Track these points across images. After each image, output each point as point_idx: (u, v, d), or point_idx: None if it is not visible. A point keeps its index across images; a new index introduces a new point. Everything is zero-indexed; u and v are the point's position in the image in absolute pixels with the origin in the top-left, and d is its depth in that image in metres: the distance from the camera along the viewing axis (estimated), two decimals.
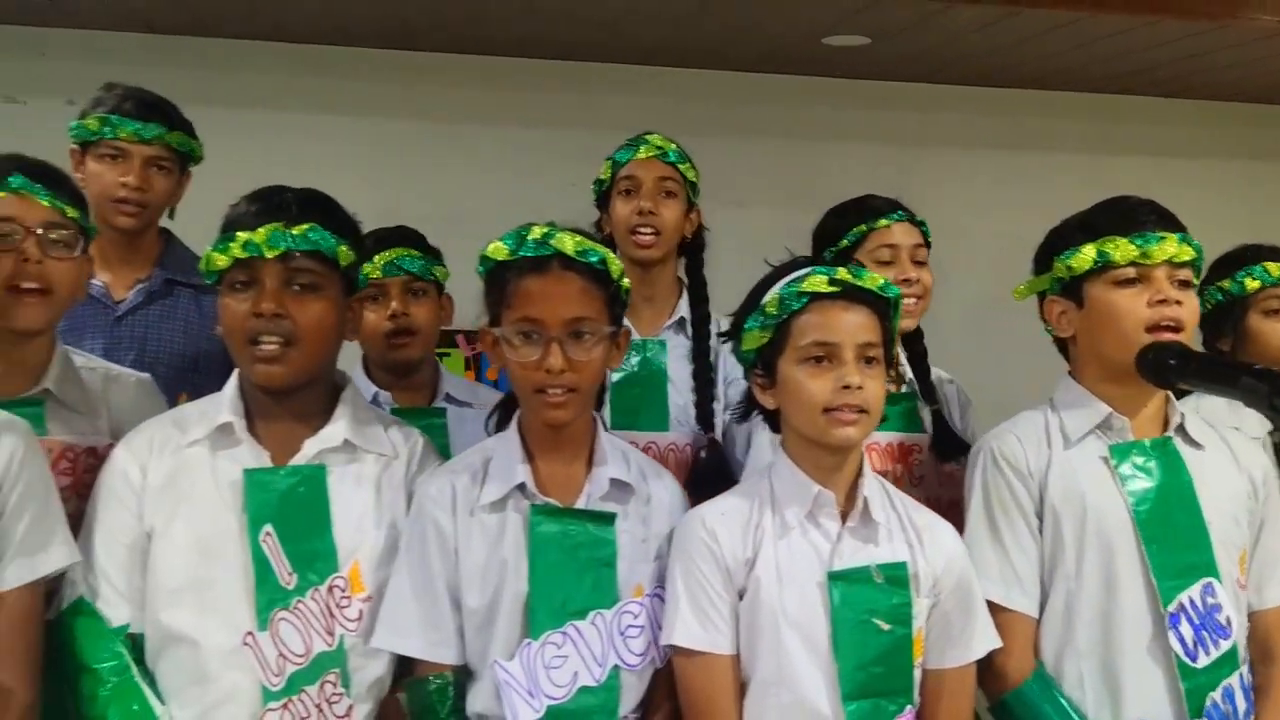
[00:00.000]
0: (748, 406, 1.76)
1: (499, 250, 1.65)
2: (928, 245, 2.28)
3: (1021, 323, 2.17)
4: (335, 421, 1.70)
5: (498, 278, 1.66)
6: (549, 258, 1.62)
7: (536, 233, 1.64)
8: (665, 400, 2.32)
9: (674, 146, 2.39)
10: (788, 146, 5.19)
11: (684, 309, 2.40)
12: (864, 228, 2.22)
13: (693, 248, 2.45)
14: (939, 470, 2.16)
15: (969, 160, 5.00)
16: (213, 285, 1.67)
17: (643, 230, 2.32)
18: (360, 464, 1.71)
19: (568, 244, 1.62)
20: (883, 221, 2.21)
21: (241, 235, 1.61)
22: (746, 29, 4.51)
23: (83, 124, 2.27)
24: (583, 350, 1.62)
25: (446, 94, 4.92)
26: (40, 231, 1.73)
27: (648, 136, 2.39)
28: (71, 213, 1.78)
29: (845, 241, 2.24)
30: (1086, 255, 1.76)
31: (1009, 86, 5.02)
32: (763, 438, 2.16)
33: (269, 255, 1.60)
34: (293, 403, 1.69)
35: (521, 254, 1.63)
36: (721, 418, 2.39)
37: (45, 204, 1.74)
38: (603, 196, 2.42)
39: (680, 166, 2.38)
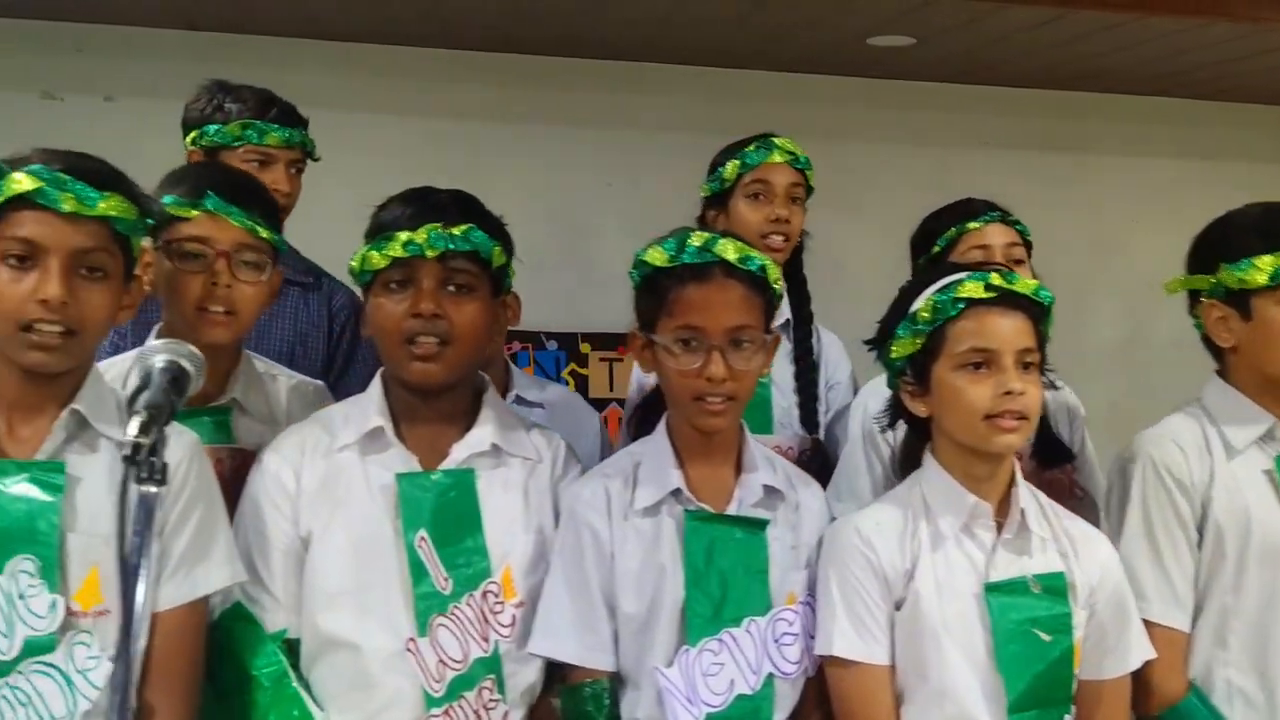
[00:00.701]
0: (894, 413, 1.75)
1: (658, 256, 1.64)
2: (1027, 245, 2.28)
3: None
4: (481, 425, 1.70)
5: (655, 284, 1.65)
6: (711, 265, 1.62)
7: (697, 239, 1.64)
8: (769, 403, 2.32)
9: (802, 152, 2.39)
10: (827, 148, 5.20)
11: (786, 311, 2.40)
12: (955, 230, 2.22)
13: (795, 251, 2.45)
14: (1040, 477, 2.15)
15: (1008, 161, 5.00)
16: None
17: (775, 235, 2.33)
18: (507, 468, 1.70)
19: (730, 251, 1.62)
20: (973, 224, 2.22)
21: (401, 235, 1.60)
22: (791, 30, 4.52)
23: (223, 129, 2.24)
24: (743, 359, 1.61)
25: (488, 93, 4.92)
26: (232, 253, 1.74)
27: (775, 140, 2.38)
28: (264, 232, 1.78)
29: (938, 246, 2.24)
30: (1263, 269, 1.72)
31: (1051, 88, 5.03)
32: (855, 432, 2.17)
33: (430, 255, 1.59)
34: (440, 404, 1.68)
35: (683, 260, 1.62)
36: (824, 419, 2.39)
37: (237, 225, 1.74)
38: (719, 196, 2.41)
39: (807, 173, 2.40)
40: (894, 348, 1.69)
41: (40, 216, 1.40)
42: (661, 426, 1.72)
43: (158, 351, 1.30)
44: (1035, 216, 2.38)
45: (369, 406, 1.69)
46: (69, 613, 1.41)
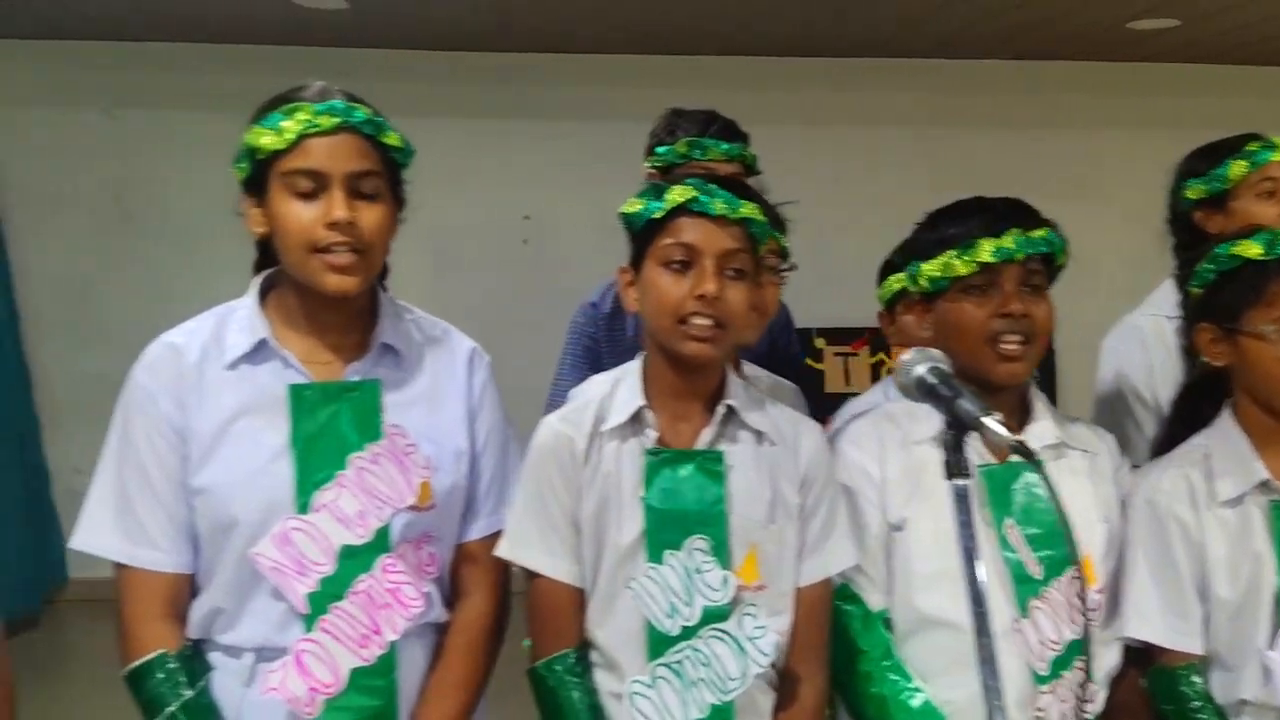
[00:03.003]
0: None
1: (1253, 249, 1.69)
2: None
3: None
4: (1041, 419, 1.76)
5: (1245, 275, 1.70)
6: None
7: None
8: None
9: None
10: (1079, 134, 5.19)
11: None
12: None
13: None
14: None
15: None
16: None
17: None
18: (1069, 459, 1.77)
19: None
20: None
21: (987, 243, 1.67)
22: (1051, 16, 4.52)
23: (672, 149, 2.35)
24: None
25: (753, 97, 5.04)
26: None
27: (1275, 138, 2.37)
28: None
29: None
30: None
31: None
32: None
33: (1019, 259, 1.67)
34: (1009, 398, 1.75)
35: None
36: None
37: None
38: (1216, 197, 2.39)
39: None
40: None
41: (696, 222, 1.56)
42: (1228, 418, 1.77)
43: (917, 363, 1.40)
44: None
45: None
46: (737, 587, 1.56)
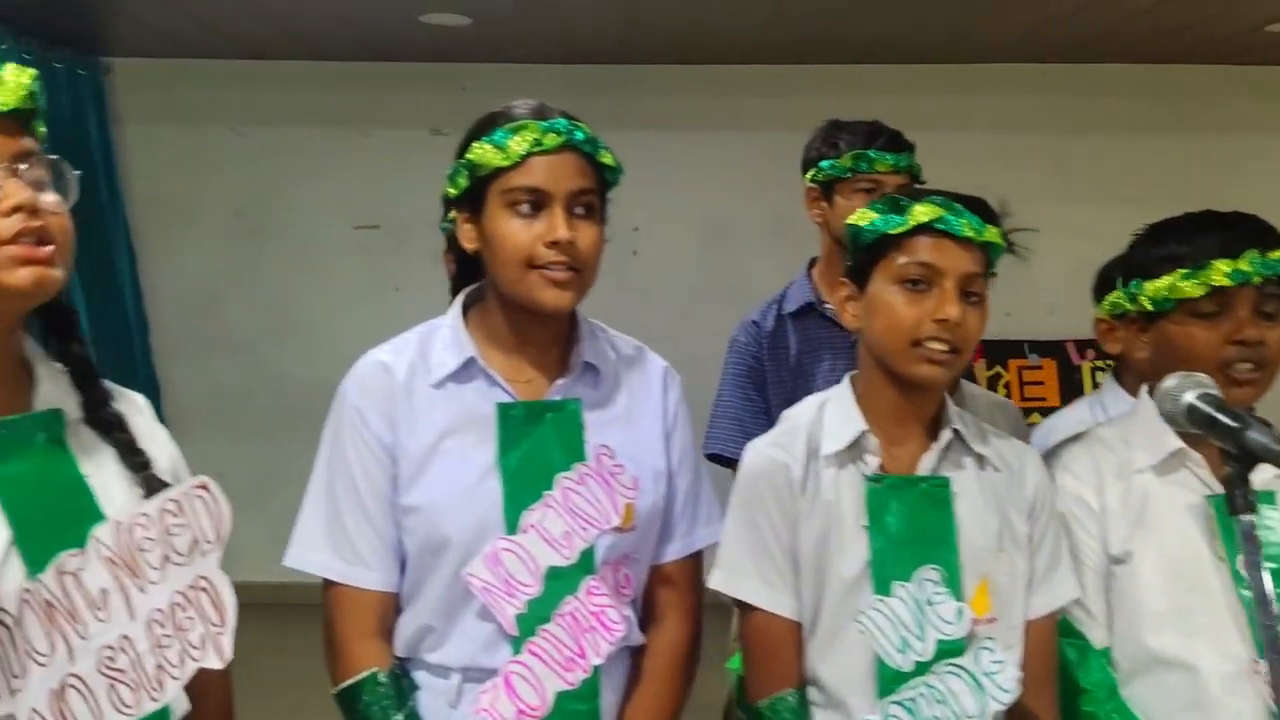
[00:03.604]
0: None
1: None
2: None
3: None
4: None
5: None
6: None
7: None
8: None
9: None
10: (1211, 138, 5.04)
11: None
12: None
13: None
14: None
15: None
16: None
17: None
18: None
19: None
20: None
21: (1221, 264, 1.60)
22: (1189, 21, 4.39)
23: (835, 163, 2.31)
24: None
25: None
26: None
27: None
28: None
29: None
30: None
31: None
32: None
33: (1256, 282, 1.59)
34: None
35: None
36: None
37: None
38: None
39: None
40: None
41: (939, 242, 1.50)
42: None
43: (1185, 390, 1.34)
44: None
45: (1157, 433, 1.65)
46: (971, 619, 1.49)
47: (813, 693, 1.55)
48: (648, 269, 5.13)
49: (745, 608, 1.56)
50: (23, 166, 1.16)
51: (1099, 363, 4.87)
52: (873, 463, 1.54)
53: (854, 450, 1.55)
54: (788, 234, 5.51)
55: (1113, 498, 1.66)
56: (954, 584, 1.49)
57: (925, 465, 1.54)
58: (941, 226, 1.50)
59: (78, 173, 1.22)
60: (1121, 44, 4.72)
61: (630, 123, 5.23)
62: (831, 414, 1.58)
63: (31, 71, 1.18)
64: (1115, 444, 1.70)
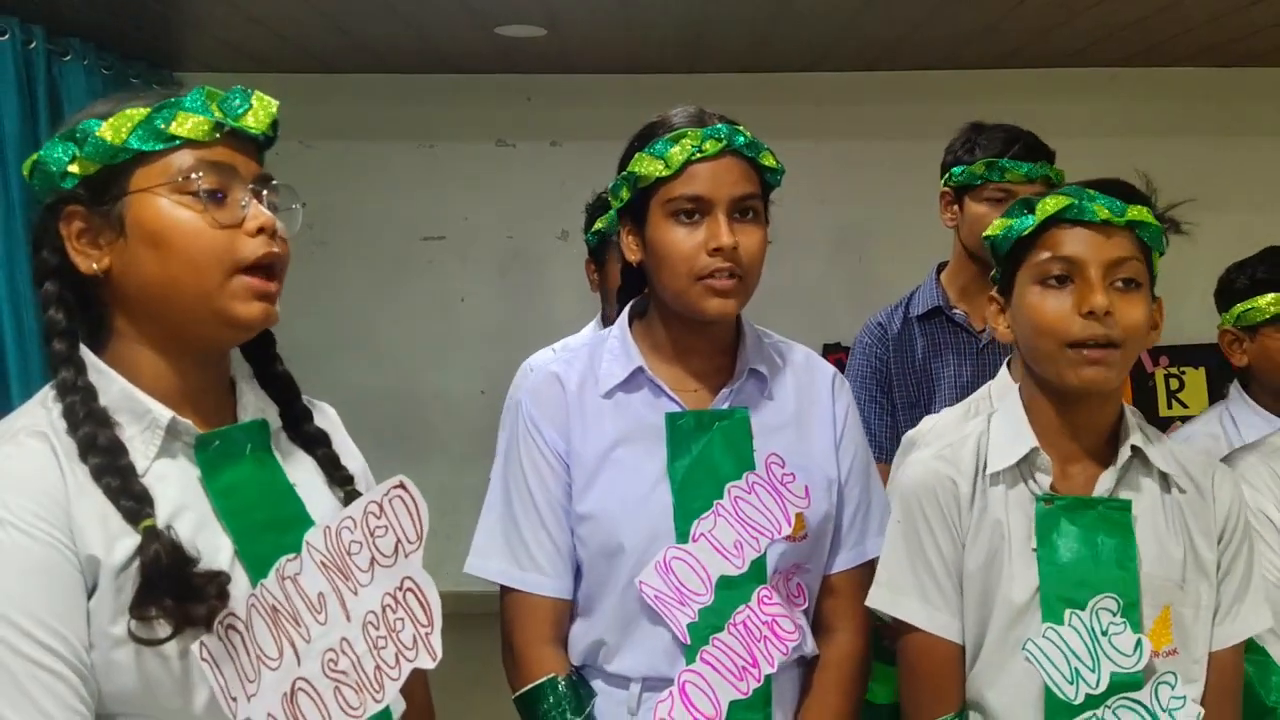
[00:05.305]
0: None
1: None
2: None
3: None
4: None
5: None
6: None
7: None
8: None
9: None
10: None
11: None
12: None
13: None
14: None
15: None
16: None
17: None
18: None
19: None
20: None
21: None
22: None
23: (968, 169, 2.29)
24: None
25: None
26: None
27: None
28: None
29: None
30: None
31: None
32: None
33: None
34: None
35: None
36: None
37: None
38: None
39: None
40: None
41: (1075, 232, 1.42)
42: None
43: None
44: None
45: None
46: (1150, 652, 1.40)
47: (975, 719, 1.49)
48: None
49: (905, 627, 1.50)
50: (265, 191, 1.19)
51: (1172, 370, 4.83)
52: (1044, 481, 1.46)
53: (1024, 467, 1.46)
54: (850, 243, 5.54)
55: None
56: (1132, 614, 1.40)
57: (1103, 486, 1.45)
58: (1073, 215, 1.40)
59: (303, 204, 1.24)
60: (1187, 49, 4.71)
61: None
62: (1000, 427, 1.50)
63: (276, 102, 1.21)
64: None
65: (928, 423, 2.01)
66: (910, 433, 2.01)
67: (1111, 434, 1.48)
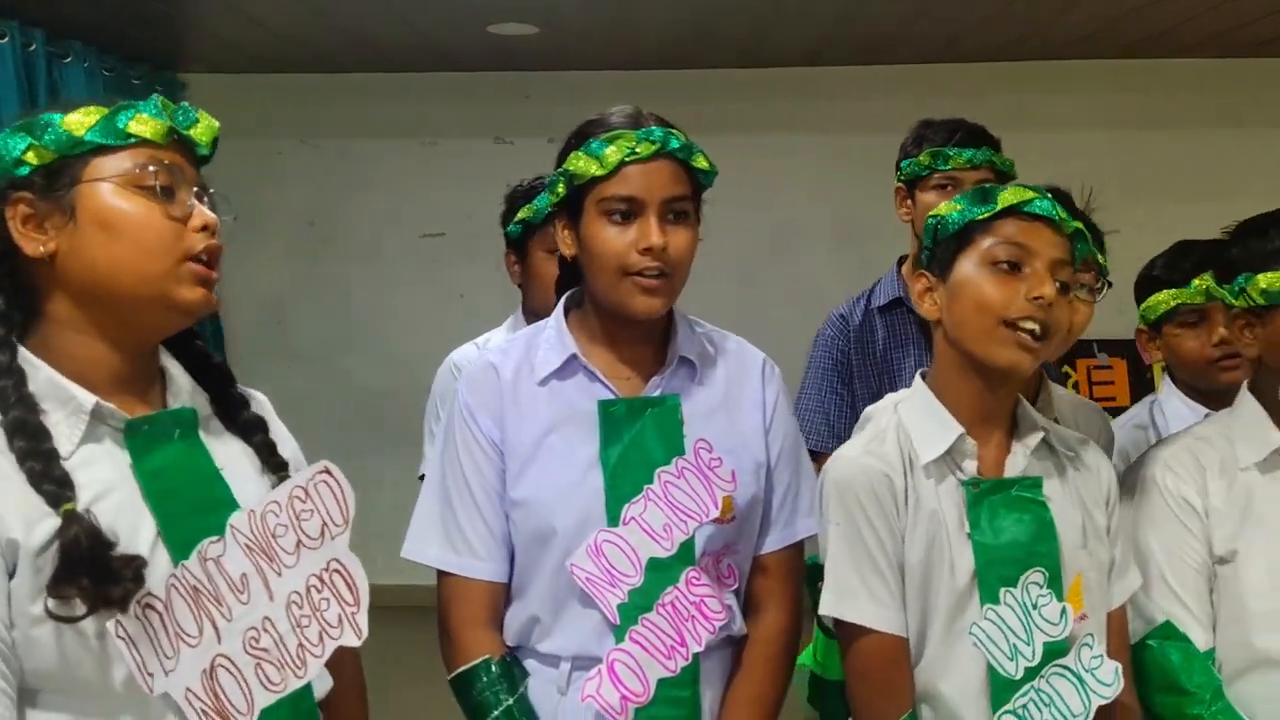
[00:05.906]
0: None
1: None
2: None
3: None
4: None
5: None
6: None
7: None
8: None
9: None
10: None
11: None
12: None
13: None
14: None
15: None
16: None
17: None
18: None
19: None
20: None
21: None
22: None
23: (915, 161, 2.33)
24: None
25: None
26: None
27: None
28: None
29: None
30: None
31: None
32: None
33: None
34: None
35: None
36: None
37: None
38: None
39: None
40: None
41: (1029, 225, 1.48)
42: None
43: None
44: None
45: (1261, 429, 1.65)
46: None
47: (925, 710, 1.51)
48: (712, 274, 5.15)
49: (853, 632, 1.50)
50: (205, 196, 1.28)
51: None
52: (969, 467, 1.50)
53: (950, 454, 1.51)
54: (852, 237, 5.55)
55: (1216, 496, 1.65)
56: (1056, 584, 1.47)
57: (1015, 466, 1.52)
58: (1031, 209, 1.47)
59: (234, 217, 1.35)
60: (1190, 38, 4.69)
61: (693, 128, 5.28)
62: (915, 418, 1.54)
63: (218, 124, 1.31)
64: (1217, 441, 1.68)
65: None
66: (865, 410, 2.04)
67: (1011, 416, 1.56)
